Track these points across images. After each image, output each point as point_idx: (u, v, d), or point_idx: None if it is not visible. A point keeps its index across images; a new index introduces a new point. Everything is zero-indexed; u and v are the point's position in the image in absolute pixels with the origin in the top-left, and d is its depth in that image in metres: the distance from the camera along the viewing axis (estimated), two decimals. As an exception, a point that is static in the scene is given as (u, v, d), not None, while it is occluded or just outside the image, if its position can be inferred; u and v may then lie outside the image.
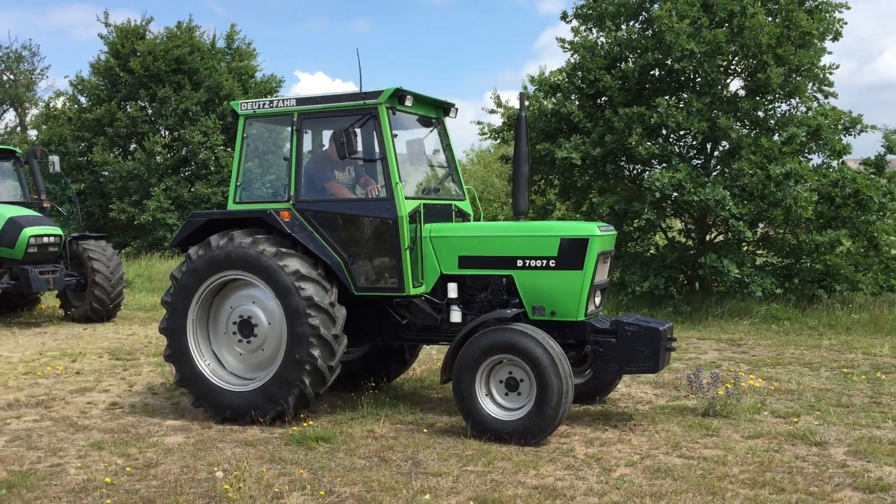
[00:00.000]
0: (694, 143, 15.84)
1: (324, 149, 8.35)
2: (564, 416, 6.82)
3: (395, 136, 7.60)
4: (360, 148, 7.64)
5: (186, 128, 27.07)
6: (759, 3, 14.55)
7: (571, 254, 7.22)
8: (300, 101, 7.86)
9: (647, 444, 6.81)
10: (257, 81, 29.08)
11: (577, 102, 15.74)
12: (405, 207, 7.41)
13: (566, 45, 16.30)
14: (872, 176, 14.52)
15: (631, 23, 16.12)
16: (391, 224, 7.43)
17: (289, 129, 7.89)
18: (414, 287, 7.56)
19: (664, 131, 15.09)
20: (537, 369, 6.70)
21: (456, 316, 7.63)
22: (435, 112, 8.44)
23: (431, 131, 8.47)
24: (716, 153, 15.67)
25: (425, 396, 8.72)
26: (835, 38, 15.13)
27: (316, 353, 7.25)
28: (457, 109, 8.65)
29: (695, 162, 15.65)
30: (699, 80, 14.96)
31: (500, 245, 7.51)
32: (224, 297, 7.89)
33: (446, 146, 8.63)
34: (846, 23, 15.06)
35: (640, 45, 15.13)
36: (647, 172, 15.42)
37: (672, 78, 15.44)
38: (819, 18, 14.58)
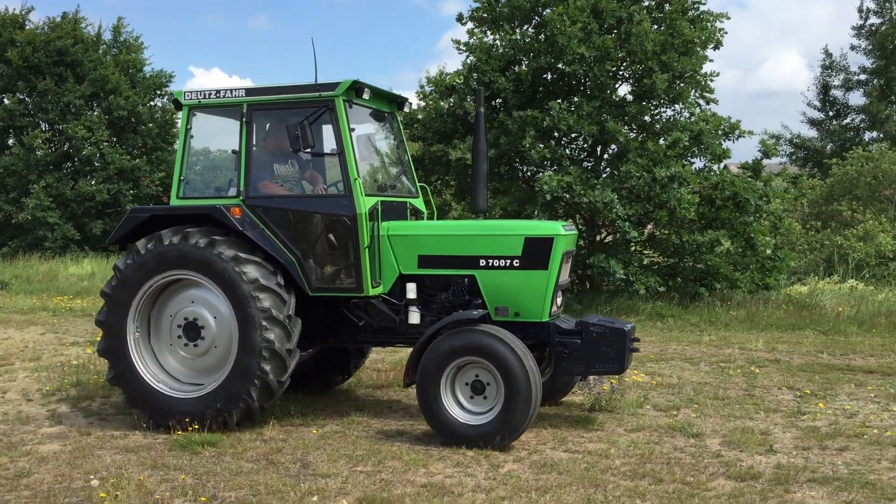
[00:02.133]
0: (585, 145, 16.27)
1: (267, 141, 7.89)
2: (532, 420, 6.67)
3: (353, 129, 7.26)
4: (314, 142, 7.15)
5: (69, 122, 25.93)
6: (645, 11, 15.09)
7: (536, 253, 7.04)
8: (250, 91, 7.41)
9: (535, 440, 6.93)
10: (145, 76, 28.13)
11: (473, 104, 15.91)
12: (364, 204, 7.11)
13: (462, 47, 16.46)
14: (749, 179, 15.27)
15: (524, 26, 16.42)
16: (350, 222, 7.09)
17: (236, 121, 7.45)
18: (372, 287, 7.27)
19: (556, 134, 15.44)
20: (506, 373, 6.50)
21: (414, 317, 7.35)
22: (388, 106, 8.13)
23: (385, 126, 8.21)
24: (605, 156, 16.16)
25: (315, 397, 8.62)
26: (716, 47, 15.86)
27: (267, 367, 6.88)
28: (411, 104, 8.46)
29: (585, 164, 16.09)
30: (589, 84, 15.38)
31: (462, 244, 7.27)
32: (169, 295, 7.41)
33: (399, 142, 8.35)
34: (726, 32, 15.82)
35: (534, 48, 15.44)
36: (540, 174, 15.76)
37: (564, 82, 15.82)
38: (701, 27, 15.24)
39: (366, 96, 7.36)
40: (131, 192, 26.47)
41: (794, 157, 32.88)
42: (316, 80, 7.28)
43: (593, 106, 14.80)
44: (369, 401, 8.47)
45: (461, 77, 16.27)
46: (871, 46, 31.99)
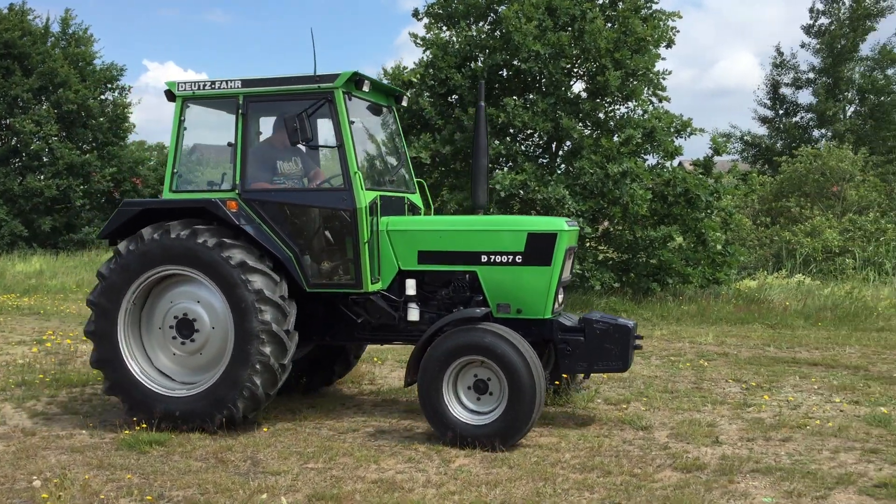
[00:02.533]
0: (540, 142, 16.39)
1: (261, 136, 7.71)
2: (537, 419, 6.59)
3: (353, 122, 7.09)
4: (312, 135, 7.00)
5: (17, 116, 25.36)
6: (599, 9, 15.25)
7: (539, 249, 6.94)
8: (246, 82, 7.21)
9: (487, 435, 6.97)
10: (96, 69, 27.63)
11: (430, 100, 15.92)
12: (365, 198, 6.97)
13: (419, 41, 16.46)
14: (701, 176, 15.53)
15: (480, 23, 16.47)
16: (349, 216, 6.95)
17: (232, 113, 7.25)
18: (372, 283, 7.11)
19: (511, 131, 15.52)
20: (510, 372, 6.38)
21: (414, 314, 7.22)
22: (386, 100, 7.99)
23: (382, 120, 8.05)
24: (560, 152, 16.29)
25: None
26: (668, 46, 16.08)
27: (267, 350, 6.71)
28: (408, 98, 8.33)
29: (541, 160, 16.21)
30: (544, 81, 15.49)
31: (463, 240, 7.16)
32: (159, 294, 7.21)
33: (397, 135, 8.18)
34: (678, 31, 16.06)
35: (489, 44, 15.50)
36: (496, 171, 15.83)
37: (519, 79, 15.91)
38: (653, 26, 15.44)
39: (366, 88, 7.22)
40: (81, 187, 25.96)
41: (745, 154, 33.50)
42: (315, 72, 7.13)
43: (548, 103, 14.91)
44: (321, 398, 8.44)
45: (418, 75, 16.27)
46: (819, 45, 32.72)
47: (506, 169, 15.15)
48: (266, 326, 6.72)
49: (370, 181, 7.53)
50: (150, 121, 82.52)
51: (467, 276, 7.18)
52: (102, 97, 27.93)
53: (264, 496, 5.44)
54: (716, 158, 16.35)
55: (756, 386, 8.79)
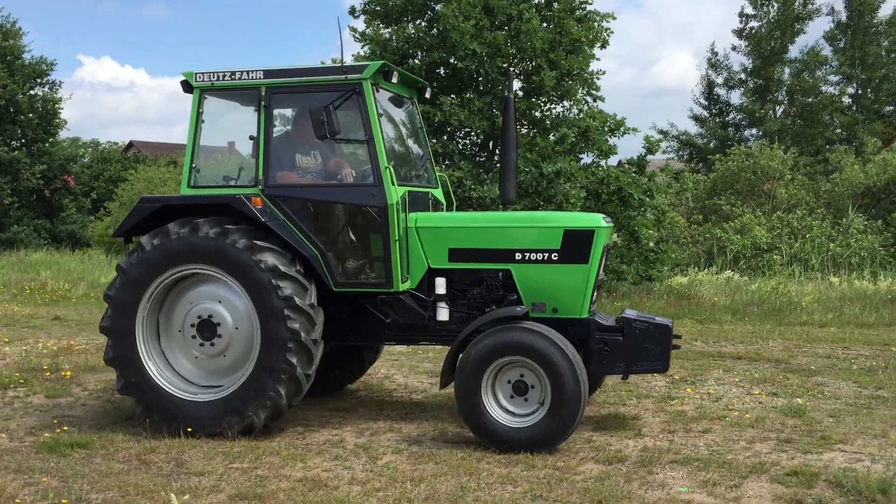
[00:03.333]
0: (477, 140, 16.51)
1: (293, 129, 7.48)
2: (581, 420, 6.45)
3: (381, 115, 6.87)
4: (339, 128, 6.72)
5: (-60, 110, 24.54)
6: (535, 9, 15.43)
7: (576, 246, 6.77)
8: (269, 73, 6.95)
9: (417, 432, 7.02)
10: (24, 63, 26.90)
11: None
12: (396, 194, 6.76)
13: (357, 36, 16.44)
14: (634, 175, 15.83)
15: (417, 21, 16.51)
16: (379, 213, 6.73)
17: (252, 105, 7.02)
18: (402, 282, 6.93)
19: (448, 129, 15.61)
20: (553, 373, 6.21)
21: (443, 314, 7.03)
22: (409, 92, 7.78)
23: (406, 112, 7.87)
24: (496, 151, 16.43)
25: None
26: (602, 46, 16.33)
27: (294, 360, 6.53)
28: (431, 90, 8.01)
29: (477, 159, 16.33)
30: (481, 79, 15.60)
31: (497, 237, 6.97)
32: (180, 293, 6.97)
33: (420, 128, 7.99)
34: (612, 32, 16.33)
35: (426, 42, 15.55)
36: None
37: (457, 77, 15.99)
38: (587, 27, 15.69)
39: (394, 80, 7.01)
40: (9, 185, 25.24)
41: (680, 153, 34.24)
42: (342, 62, 6.94)
43: (484, 102, 15.02)
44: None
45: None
46: (749, 47, 33.63)
47: (443, 167, 15.23)
48: (294, 335, 6.54)
49: (397, 176, 7.12)
50: (84, 117, 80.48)
51: (500, 274, 7.00)
52: (32, 92, 27.18)
53: (186, 497, 5.39)
54: (651, 157, 16.71)
55: (681, 379, 9.02)
